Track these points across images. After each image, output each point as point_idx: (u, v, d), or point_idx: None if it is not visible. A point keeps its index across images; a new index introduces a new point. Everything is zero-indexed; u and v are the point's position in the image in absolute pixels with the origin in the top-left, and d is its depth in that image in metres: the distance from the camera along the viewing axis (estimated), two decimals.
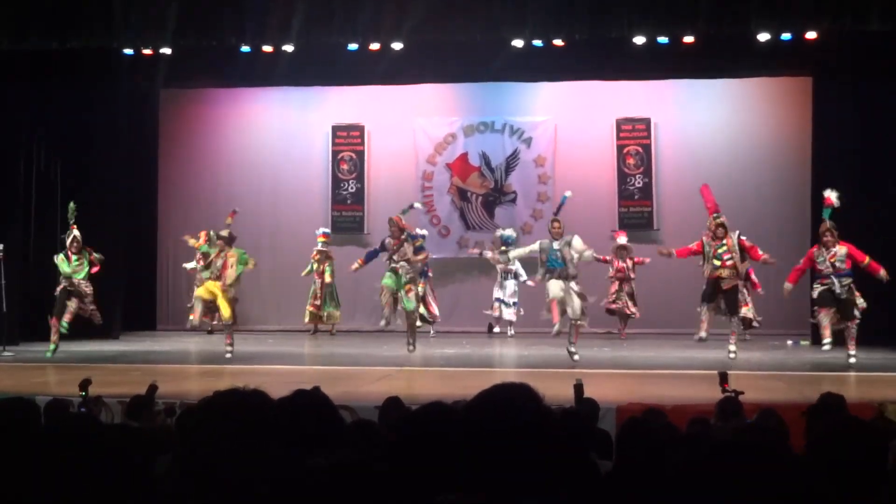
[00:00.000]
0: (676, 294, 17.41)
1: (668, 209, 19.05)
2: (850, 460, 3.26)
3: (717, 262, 13.75)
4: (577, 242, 13.83)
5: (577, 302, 13.69)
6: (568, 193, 14.95)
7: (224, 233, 14.79)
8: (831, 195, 13.76)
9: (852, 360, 13.29)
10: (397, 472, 2.15)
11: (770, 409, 6.48)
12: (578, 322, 13.75)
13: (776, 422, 5.81)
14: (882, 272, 13.55)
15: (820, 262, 13.54)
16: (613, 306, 17.65)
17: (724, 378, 7.46)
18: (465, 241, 19.64)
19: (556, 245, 13.82)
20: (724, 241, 13.76)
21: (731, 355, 13.56)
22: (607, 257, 17.41)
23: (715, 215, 13.99)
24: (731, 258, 13.73)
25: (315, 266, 18.43)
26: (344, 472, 2.04)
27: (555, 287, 13.75)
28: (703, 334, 13.78)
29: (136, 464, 2.96)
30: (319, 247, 18.50)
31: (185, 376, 13.03)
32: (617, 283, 17.70)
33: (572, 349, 13.71)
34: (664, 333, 17.59)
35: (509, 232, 18.22)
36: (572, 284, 13.74)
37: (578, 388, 7.86)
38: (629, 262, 17.68)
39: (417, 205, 15.30)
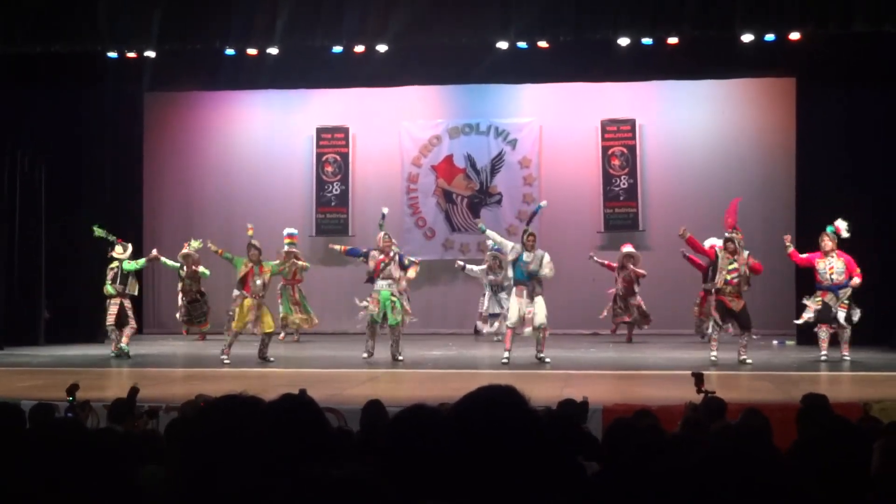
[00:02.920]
0: (664, 295, 17.43)
1: (653, 210, 19.07)
2: (836, 461, 3.27)
3: (727, 277, 13.93)
4: (547, 261, 13.97)
5: (542, 311, 13.88)
6: (543, 203, 15.22)
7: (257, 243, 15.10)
8: (841, 225, 14.18)
9: (846, 359, 13.88)
10: (384, 479, 2.14)
11: (754, 408, 6.49)
12: (544, 328, 13.98)
13: (761, 421, 5.82)
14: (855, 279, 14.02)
15: (821, 270, 14.06)
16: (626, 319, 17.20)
17: (699, 379, 7.46)
18: (451, 243, 19.64)
19: (526, 257, 13.91)
20: (736, 258, 13.96)
21: (749, 361, 13.73)
22: (613, 263, 17.11)
23: (732, 231, 14.24)
24: (738, 276, 13.91)
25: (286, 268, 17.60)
26: (340, 484, 2.04)
27: (515, 312, 13.98)
28: (717, 354, 13.91)
29: (121, 469, 2.95)
30: (286, 248, 17.78)
31: (170, 380, 13.01)
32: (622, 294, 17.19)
33: (542, 356, 13.97)
34: (651, 334, 17.61)
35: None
36: (537, 299, 13.96)
37: (584, 405, 7.68)
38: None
39: (385, 209, 15.31)
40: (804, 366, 13.91)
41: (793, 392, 9.84)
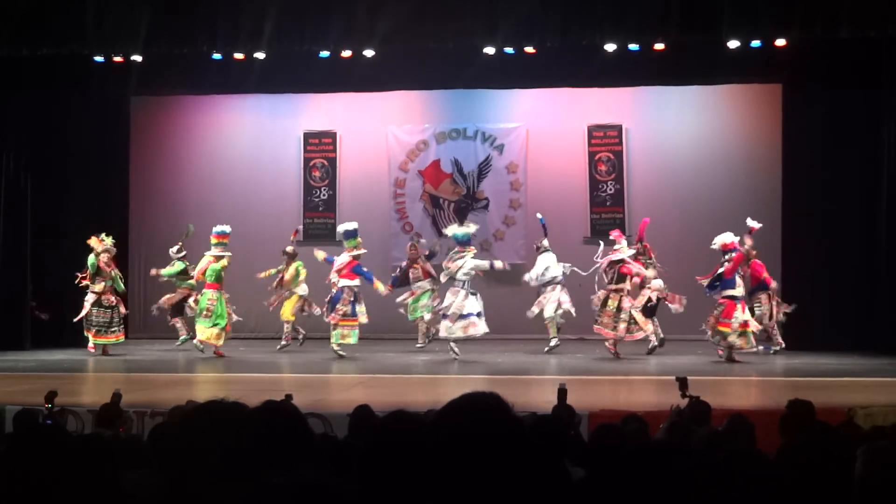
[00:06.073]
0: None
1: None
2: (820, 467, 3.28)
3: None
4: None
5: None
6: (539, 216, 16.94)
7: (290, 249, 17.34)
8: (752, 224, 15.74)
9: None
10: (363, 487, 2.14)
11: (740, 414, 6.50)
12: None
13: (746, 427, 5.83)
14: None
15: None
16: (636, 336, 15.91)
17: (683, 384, 7.45)
18: (437, 247, 19.62)
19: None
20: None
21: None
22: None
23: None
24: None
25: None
26: (308, 491, 2.04)
27: (551, 307, 16.09)
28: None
29: (106, 473, 2.94)
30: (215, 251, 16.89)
31: (156, 384, 12.96)
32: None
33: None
34: (637, 340, 17.56)
35: (461, 230, 16.40)
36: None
37: (562, 392, 7.68)
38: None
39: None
40: (790, 371, 13.95)
41: (778, 397, 9.86)
